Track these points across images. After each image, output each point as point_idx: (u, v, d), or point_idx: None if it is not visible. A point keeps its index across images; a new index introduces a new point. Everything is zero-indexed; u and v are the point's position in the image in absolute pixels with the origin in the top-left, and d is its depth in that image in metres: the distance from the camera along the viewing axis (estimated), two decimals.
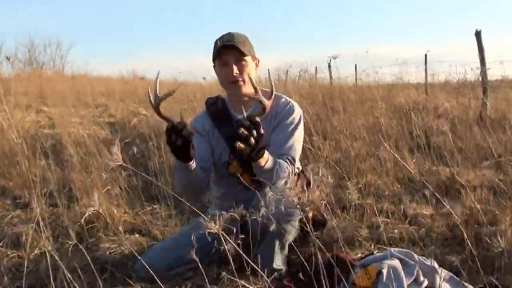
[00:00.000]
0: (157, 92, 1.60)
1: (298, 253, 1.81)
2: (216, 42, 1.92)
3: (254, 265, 1.47)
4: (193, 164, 1.73)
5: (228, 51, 1.87)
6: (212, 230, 1.08)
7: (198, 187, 1.87)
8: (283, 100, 1.97)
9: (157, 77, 1.63)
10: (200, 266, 1.27)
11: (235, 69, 1.88)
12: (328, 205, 2.12)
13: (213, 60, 1.97)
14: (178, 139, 1.57)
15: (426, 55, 8.76)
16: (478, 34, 5.38)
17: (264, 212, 1.24)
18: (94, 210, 2.43)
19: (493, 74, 5.67)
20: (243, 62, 1.89)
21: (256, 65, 1.98)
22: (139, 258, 2.00)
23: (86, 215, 2.46)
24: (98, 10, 53.04)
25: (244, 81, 1.91)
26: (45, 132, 5.29)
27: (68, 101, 7.66)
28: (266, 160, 1.70)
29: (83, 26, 50.21)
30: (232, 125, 1.95)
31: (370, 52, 6.17)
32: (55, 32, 44.00)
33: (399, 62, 7.14)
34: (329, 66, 9.41)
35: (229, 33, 1.93)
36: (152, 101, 1.61)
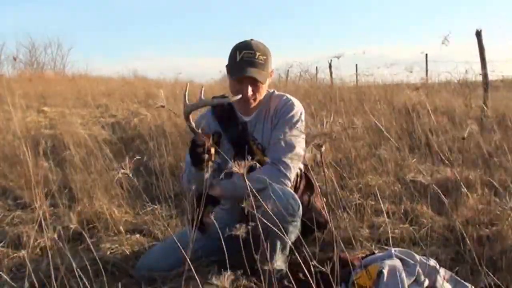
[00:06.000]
0: (186, 101, 1.68)
1: (300, 253, 1.80)
2: (235, 52, 1.86)
3: (255, 265, 1.48)
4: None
5: (246, 78, 1.84)
6: None
7: None
8: (284, 98, 1.96)
9: (185, 89, 1.69)
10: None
11: (250, 91, 1.86)
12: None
13: (227, 68, 1.93)
14: (204, 154, 1.67)
15: (426, 55, 8.79)
16: (478, 34, 5.37)
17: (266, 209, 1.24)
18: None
19: (494, 74, 5.66)
20: (259, 84, 1.88)
21: (270, 74, 1.95)
22: (140, 258, 2.01)
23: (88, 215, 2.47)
24: (99, 10, 53.13)
25: (255, 100, 1.91)
26: (46, 132, 5.29)
27: (69, 101, 7.66)
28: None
29: (84, 27, 50.32)
30: (238, 127, 1.95)
31: (367, 53, 6.17)
32: (56, 33, 44.07)
33: (400, 63, 7.16)
34: (330, 66, 9.39)
35: (250, 47, 1.85)
36: (182, 111, 1.70)
